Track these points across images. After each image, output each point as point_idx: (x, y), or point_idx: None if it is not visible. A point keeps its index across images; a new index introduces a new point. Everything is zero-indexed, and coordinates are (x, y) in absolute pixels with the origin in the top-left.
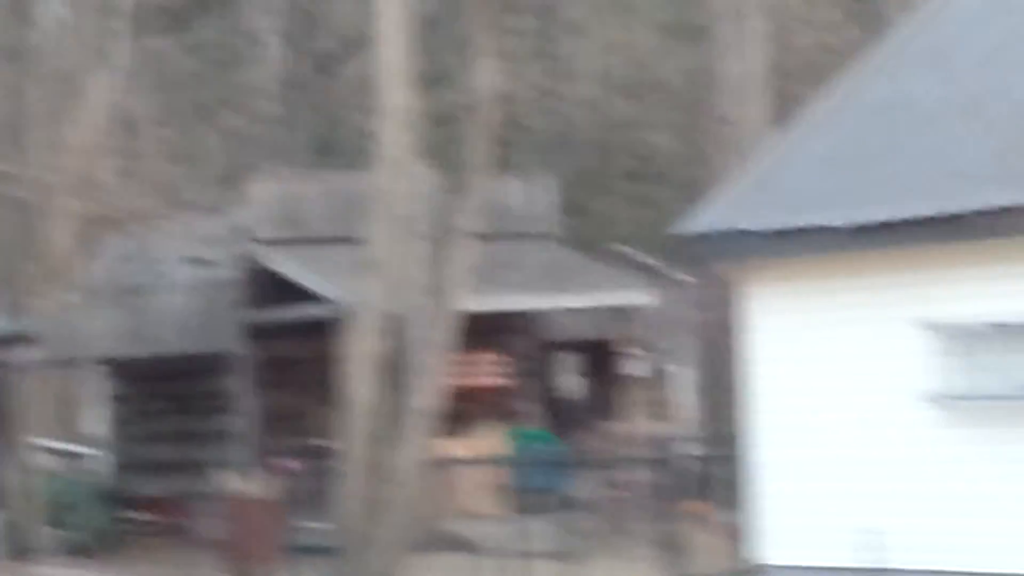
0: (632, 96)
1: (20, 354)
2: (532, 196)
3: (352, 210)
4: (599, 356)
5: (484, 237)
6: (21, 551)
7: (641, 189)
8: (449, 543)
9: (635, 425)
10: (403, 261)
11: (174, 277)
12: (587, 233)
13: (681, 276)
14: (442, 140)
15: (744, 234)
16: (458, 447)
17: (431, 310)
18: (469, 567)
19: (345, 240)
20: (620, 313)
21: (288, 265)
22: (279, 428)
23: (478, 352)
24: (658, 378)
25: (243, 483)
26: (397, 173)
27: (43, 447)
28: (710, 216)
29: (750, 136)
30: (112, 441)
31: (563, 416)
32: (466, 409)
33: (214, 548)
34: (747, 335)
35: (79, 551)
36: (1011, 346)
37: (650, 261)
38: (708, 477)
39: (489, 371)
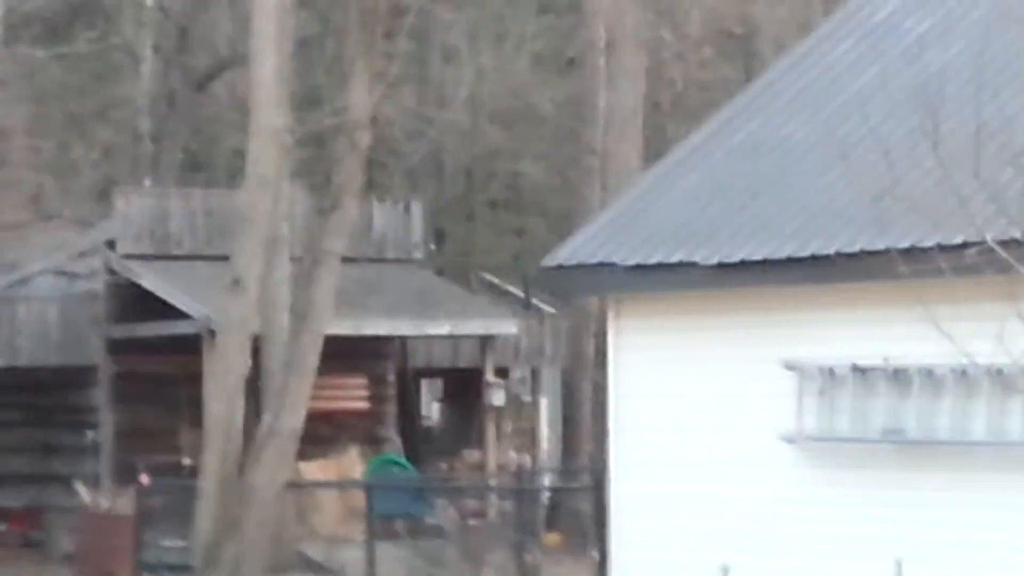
0: (504, 124)
1: None
2: (400, 221)
3: (220, 228)
4: (461, 384)
5: (351, 260)
6: None
7: (510, 218)
8: (303, 566)
9: (494, 454)
10: (269, 281)
11: (38, 288)
12: (454, 260)
13: (547, 307)
14: (313, 161)
15: (608, 268)
16: (317, 470)
17: (295, 331)
18: None
19: (212, 258)
20: (484, 341)
21: (153, 280)
22: (139, 444)
23: (341, 376)
24: (520, 408)
25: (99, 497)
26: (266, 192)
27: None
28: (577, 248)
29: (621, 169)
30: None
31: (423, 442)
32: (327, 432)
33: (68, 562)
34: (611, 368)
35: None
36: (869, 390)
37: (516, 291)
38: (566, 509)
39: (351, 395)
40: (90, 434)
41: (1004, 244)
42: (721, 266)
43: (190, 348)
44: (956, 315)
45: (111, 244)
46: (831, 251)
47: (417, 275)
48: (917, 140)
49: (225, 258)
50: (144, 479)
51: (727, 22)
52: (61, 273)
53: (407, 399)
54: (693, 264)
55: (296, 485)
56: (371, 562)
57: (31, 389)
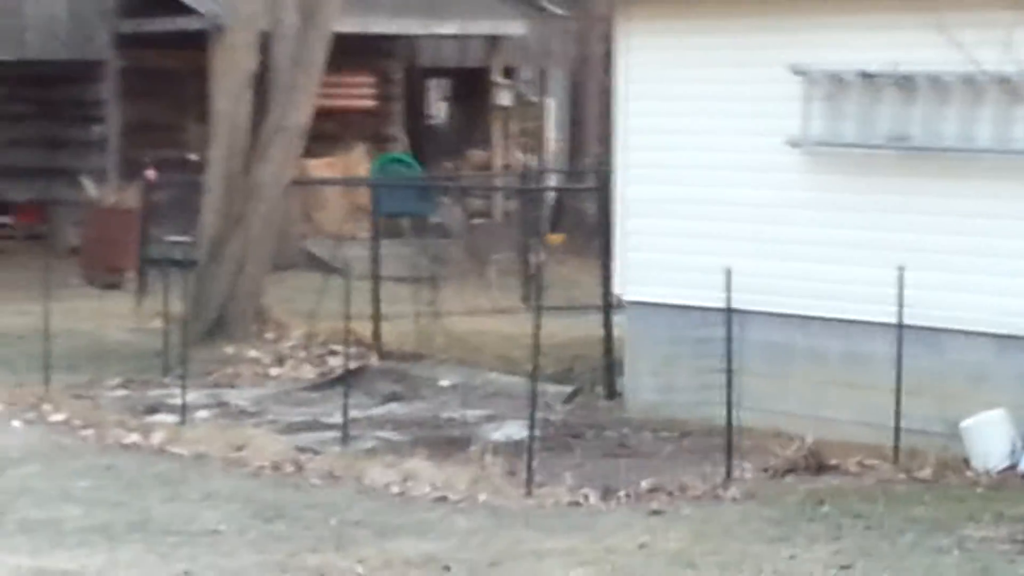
0: None
1: None
2: None
3: None
4: (469, 84)
5: None
6: None
7: None
8: (307, 262)
9: (501, 154)
10: None
11: None
12: None
13: (556, 8)
14: None
15: None
16: (322, 167)
17: (303, 28)
18: (324, 287)
19: None
20: (492, 42)
21: None
22: (145, 138)
23: (347, 74)
24: (526, 108)
25: (103, 192)
26: None
27: None
28: None
29: None
30: None
31: (429, 142)
32: (333, 130)
33: (73, 255)
34: (618, 71)
35: None
36: (875, 95)
37: None
38: (571, 209)
39: (358, 93)
40: (97, 128)
41: None
42: None
43: (198, 44)
44: (964, 22)
45: None
46: None
47: None
48: None
49: None
50: (150, 174)
51: None
52: None
53: (414, 98)
54: None
55: (302, 182)
56: (375, 259)
57: (39, 83)
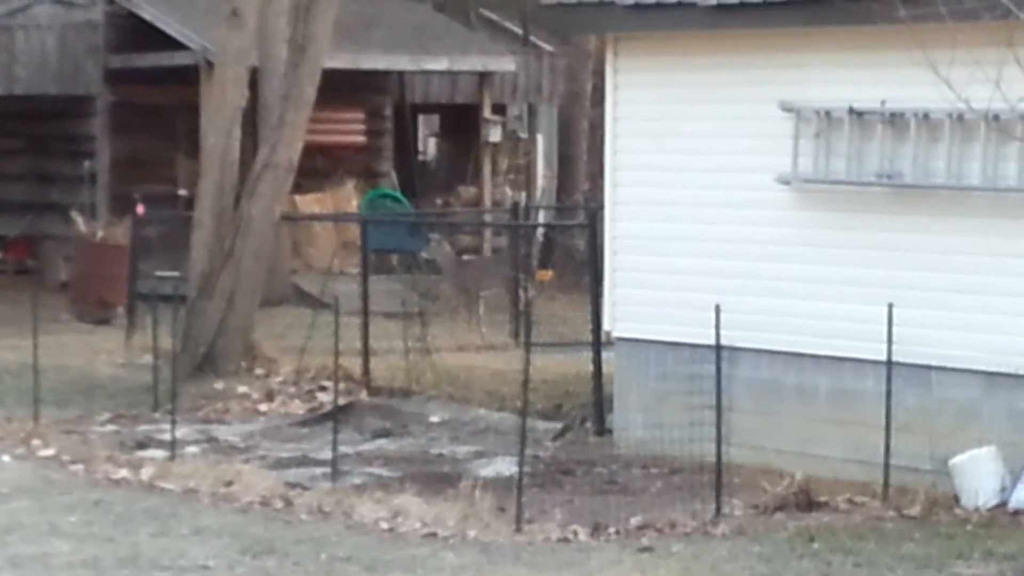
0: None
1: None
2: None
3: None
4: (458, 120)
5: None
6: None
7: None
8: (297, 297)
9: (490, 190)
10: (268, 12)
11: (36, 16)
12: None
13: (545, 44)
14: None
15: (608, 5)
16: (312, 203)
17: (293, 64)
18: (313, 322)
19: None
20: (482, 78)
21: (152, 10)
22: (135, 174)
23: (338, 109)
24: (516, 145)
25: (94, 227)
26: None
27: None
28: None
29: None
30: None
31: (419, 178)
32: (323, 166)
33: (63, 290)
34: (608, 107)
35: None
36: (866, 133)
37: (515, 28)
38: (560, 246)
39: (348, 129)
40: (87, 163)
41: None
42: (720, 6)
43: (188, 79)
44: (954, 60)
45: None
46: None
47: (416, 10)
48: None
49: None
50: (140, 209)
51: None
52: (60, 1)
53: (404, 134)
54: (692, 4)
55: (291, 218)
56: (365, 295)
57: (29, 118)
